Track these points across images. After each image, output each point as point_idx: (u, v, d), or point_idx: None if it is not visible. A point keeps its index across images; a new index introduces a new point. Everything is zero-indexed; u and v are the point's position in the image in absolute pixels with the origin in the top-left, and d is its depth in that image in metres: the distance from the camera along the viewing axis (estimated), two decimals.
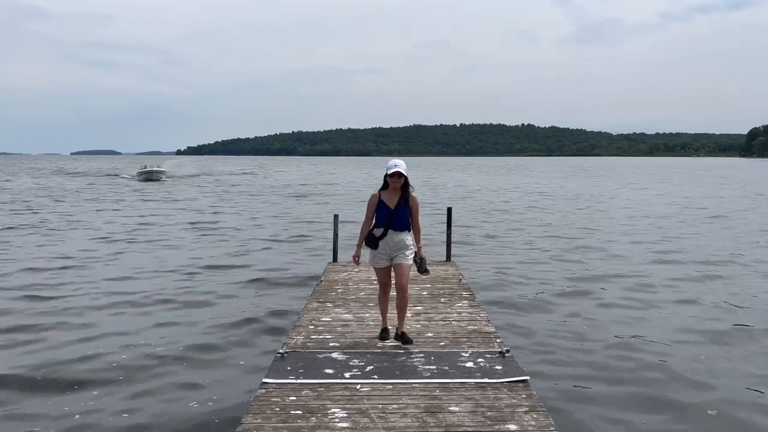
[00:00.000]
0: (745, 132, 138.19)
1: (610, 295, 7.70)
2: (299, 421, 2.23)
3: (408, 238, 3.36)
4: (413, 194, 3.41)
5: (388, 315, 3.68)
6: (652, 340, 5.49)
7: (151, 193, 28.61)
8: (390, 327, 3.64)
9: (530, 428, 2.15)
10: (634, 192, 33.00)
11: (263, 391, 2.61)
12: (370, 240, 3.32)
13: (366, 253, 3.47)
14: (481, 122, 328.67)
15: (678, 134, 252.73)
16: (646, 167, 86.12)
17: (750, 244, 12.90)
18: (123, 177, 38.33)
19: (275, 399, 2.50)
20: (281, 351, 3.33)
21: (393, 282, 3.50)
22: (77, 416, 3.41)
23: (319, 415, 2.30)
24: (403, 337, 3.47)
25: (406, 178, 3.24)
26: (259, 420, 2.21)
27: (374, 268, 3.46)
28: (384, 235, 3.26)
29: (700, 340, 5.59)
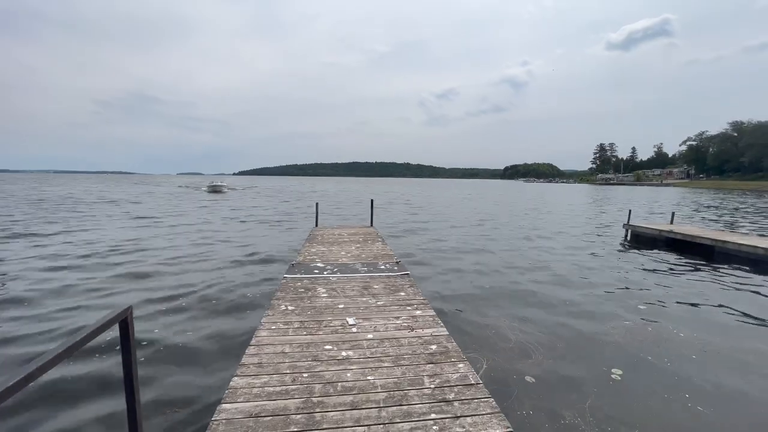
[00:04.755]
0: (502, 167, 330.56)
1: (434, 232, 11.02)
2: (302, 293, 4.73)
3: None
4: None
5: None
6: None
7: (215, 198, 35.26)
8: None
9: (410, 293, 4.75)
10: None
11: (284, 281, 5.13)
12: None
13: None
14: (387, 161, 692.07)
15: (475, 168, 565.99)
16: (463, 183, 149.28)
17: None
18: (201, 189, 51.80)
19: (290, 285, 5.01)
20: (293, 263, 5.96)
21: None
22: None
23: (311, 291, 4.81)
24: None
25: None
26: (282, 294, 4.70)
27: None
28: None
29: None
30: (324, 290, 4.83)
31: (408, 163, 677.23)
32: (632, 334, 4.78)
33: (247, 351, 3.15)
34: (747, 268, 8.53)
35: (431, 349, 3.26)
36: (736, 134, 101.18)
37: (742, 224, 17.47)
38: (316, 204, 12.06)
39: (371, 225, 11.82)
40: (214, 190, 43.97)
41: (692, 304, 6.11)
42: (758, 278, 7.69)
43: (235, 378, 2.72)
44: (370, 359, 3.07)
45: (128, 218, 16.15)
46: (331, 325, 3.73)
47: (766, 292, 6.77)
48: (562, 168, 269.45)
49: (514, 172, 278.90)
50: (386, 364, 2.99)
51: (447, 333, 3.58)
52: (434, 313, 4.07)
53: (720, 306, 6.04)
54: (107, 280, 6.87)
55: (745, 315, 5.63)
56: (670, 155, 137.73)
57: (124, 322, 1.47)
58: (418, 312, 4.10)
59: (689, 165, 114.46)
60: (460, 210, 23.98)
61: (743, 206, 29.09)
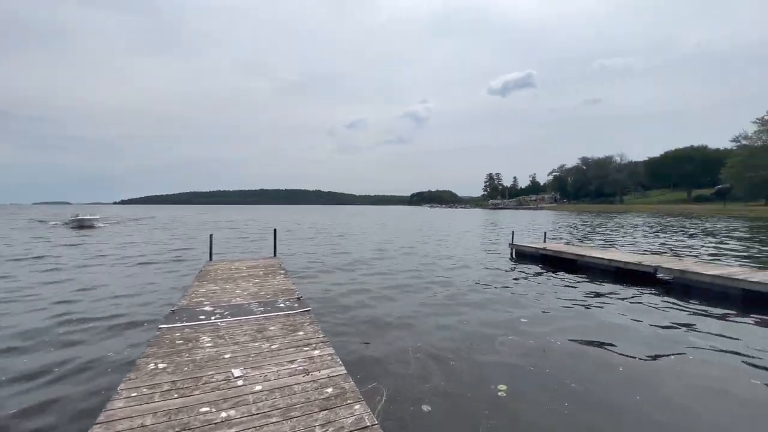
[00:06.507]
0: (409, 194, 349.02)
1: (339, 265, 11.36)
2: (180, 346, 4.06)
3: None
4: None
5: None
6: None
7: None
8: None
9: (309, 331, 4.47)
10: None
11: (158, 333, 4.35)
12: None
13: None
14: (297, 188, 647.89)
15: (384, 195, 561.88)
16: (374, 209, 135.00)
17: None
18: (58, 223, 37.19)
19: (166, 337, 4.27)
20: (173, 309, 5.10)
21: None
22: None
23: (193, 341, 4.17)
24: None
25: None
26: (154, 349, 3.96)
27: None
28: None
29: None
30: (209, 339, 4.23)
31: (319, 190, 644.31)
32: (516, 348, 5.25)
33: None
34: (600, 276, 10.37)
35: (327, 392, 3.04)
36: (584, 167, 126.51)
37: (594, 239, 21.44)
38: (210, 236, 10.95)
39: (275, 256, 11.21)
40: (81, 224, 32.18)
41: (563, 313, 7.07)
42: (608, 285, 9.39)
43: None
44: (255, 416, 2.71)
45: None
46: (212, 380, 3.23)
47: (616, 297, 8.26)
48: (460, 194, 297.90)
49: (420, 199, 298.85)
50: (274, 419, 2.67)
51: (345, 372, 3.40)
52: (333, 351, 3.87)
53: (587, 309, 7.13)
54: None
55: (606, 318, 6.73)
56: (541, 184, 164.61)
57: None
58: (316, 352, 3.85)
59: (555, 191, 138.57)
60: (370, 237, 24.41)
61: (595, 225, 35.90)
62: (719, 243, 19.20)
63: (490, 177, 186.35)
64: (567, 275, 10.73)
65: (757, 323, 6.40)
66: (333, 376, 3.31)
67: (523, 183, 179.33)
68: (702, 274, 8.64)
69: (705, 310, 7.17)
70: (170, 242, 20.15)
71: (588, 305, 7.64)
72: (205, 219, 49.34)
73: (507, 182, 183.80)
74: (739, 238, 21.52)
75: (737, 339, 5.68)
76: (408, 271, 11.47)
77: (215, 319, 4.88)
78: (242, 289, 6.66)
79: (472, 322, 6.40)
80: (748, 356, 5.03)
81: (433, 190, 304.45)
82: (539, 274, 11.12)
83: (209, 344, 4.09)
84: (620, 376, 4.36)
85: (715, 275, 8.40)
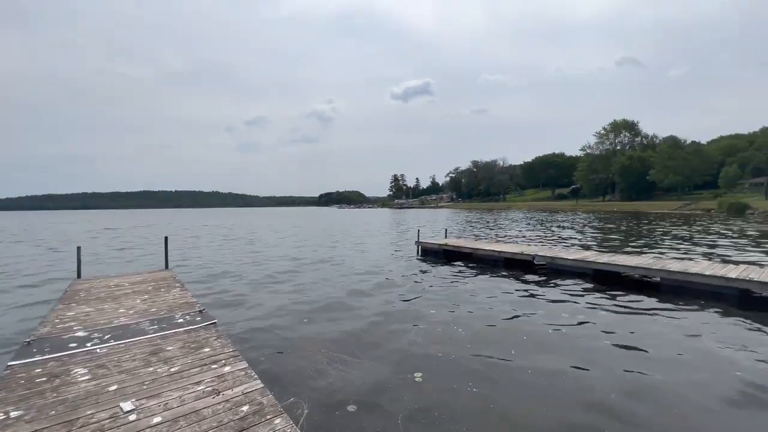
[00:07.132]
0: (317, 195, 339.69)
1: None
2: (43, 384, 3.28)
3: None
4: None
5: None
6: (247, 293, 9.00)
7: None
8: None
9: (218, 347, 4.05)
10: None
11: (7, 372, 3.42)
12: None
13: None
14: (191, 189, 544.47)
15: (291, 196, 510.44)
16: (279, 211, 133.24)
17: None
18: None
19: (21, 374, 3.39)
20: (27, 340, 4.07)
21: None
22: None
23: (62, 377, 3.41)
24: None
25: None
26: (3, 393, 3.12)
27: None
28: None
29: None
30: (84, 370, 3.50)
31: (217, 191, 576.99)
32: (427, 339, 5.63)
33: None
34: (492, 266, 11.77)
35: (242, 411, 2.80)
36: (475, 169, 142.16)
37: (488, 233, 24.26)
38: (78, 248, 9.07)
39: (166, 268, 9.85)
40: None
41: (465, 303, 7.82)
42: (498, 273, 10.72)
43: None
44: None
45: None
46: (93, 421, 2.68)
47: (505, 283, 9.47)
48: (367, 195, 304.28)
49: (328, 200, 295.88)
50: None
51: (262, 386, 3.18)
52: (246, 365, 3.58)
53: (483, 297, 8.00)
54: None
55: (498, 304, 7.65)
56: (440, 184, 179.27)
57: None
58: (226, 369, 3.51)
59: (452, 191, 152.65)
60: (278, 242, 23.29)
61: (486, 221, 40.62)
62: (577, 233, 23.62)
63: (395, 178, 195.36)
64: (466, 267, 11.90)
65: (599, 293, 8.09)
66: (248, 392, 3.06)
67: (425, 183, 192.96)
68: (566, 258, 10.51)
69: (571, 288, 8.75)
70: (17, 259, 16.03)
71: (483, 293, 8.60)
72: (71, 228, 40.56)
73: (411, 183, 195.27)
74: (591, 227, 26.83)
75: (597, 311, 7.09)
76: (320, 277, 11.26)
77: (92, 345, 4.06)
78: (127, 308, 5.68)
79: (385, 320, 6.62)
80: (602, 324, 6.32)
81: (341, 190, 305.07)
82: (443, 268, 12.08)
83: (86, 377, 3.39)
84: (513, 357, 5.02)
85: (575, 259, 10.30)
